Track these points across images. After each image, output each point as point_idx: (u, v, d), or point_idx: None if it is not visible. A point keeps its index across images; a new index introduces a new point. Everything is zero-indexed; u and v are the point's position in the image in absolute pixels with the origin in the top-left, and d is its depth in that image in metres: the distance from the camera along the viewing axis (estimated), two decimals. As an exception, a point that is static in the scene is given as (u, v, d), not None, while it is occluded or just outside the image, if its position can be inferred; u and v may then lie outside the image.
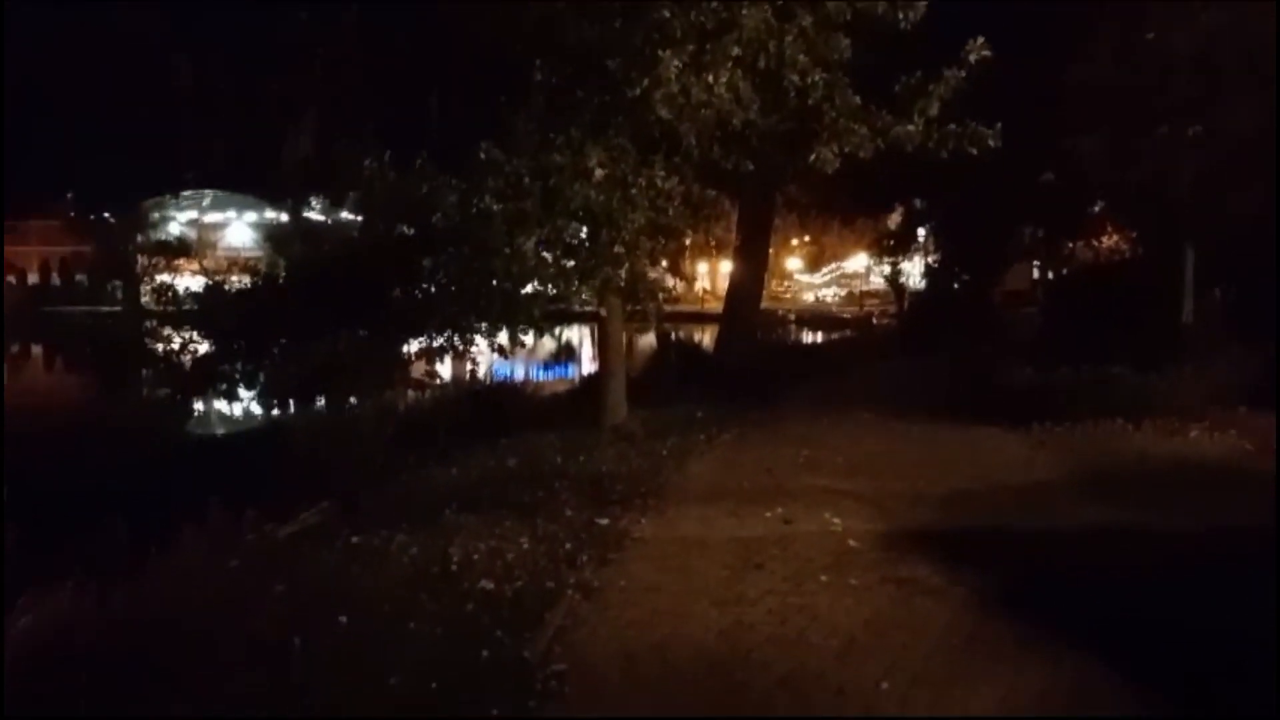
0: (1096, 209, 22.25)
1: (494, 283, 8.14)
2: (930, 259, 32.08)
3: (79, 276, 65.71)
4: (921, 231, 32.33)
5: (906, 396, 13.71)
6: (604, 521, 6.69)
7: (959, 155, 8.96)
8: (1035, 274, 33.33)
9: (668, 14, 7.22)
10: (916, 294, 33.08)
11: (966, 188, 19.20)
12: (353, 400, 11.98)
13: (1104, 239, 25.88)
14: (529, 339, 9.88)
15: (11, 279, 69.63)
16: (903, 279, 34.17)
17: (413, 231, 8.92)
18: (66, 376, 31.77)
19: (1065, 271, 26.50)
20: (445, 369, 13.71)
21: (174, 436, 13.59)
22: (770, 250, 25.28)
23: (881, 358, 22.08)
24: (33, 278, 69.88)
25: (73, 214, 61.38)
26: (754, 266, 18.97)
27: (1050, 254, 28.22)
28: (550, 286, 8.89)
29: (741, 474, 8.55)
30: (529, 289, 8.48)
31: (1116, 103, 11.86)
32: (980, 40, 8.46)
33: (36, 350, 43.47)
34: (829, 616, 4.98)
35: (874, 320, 41.77)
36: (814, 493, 7.68)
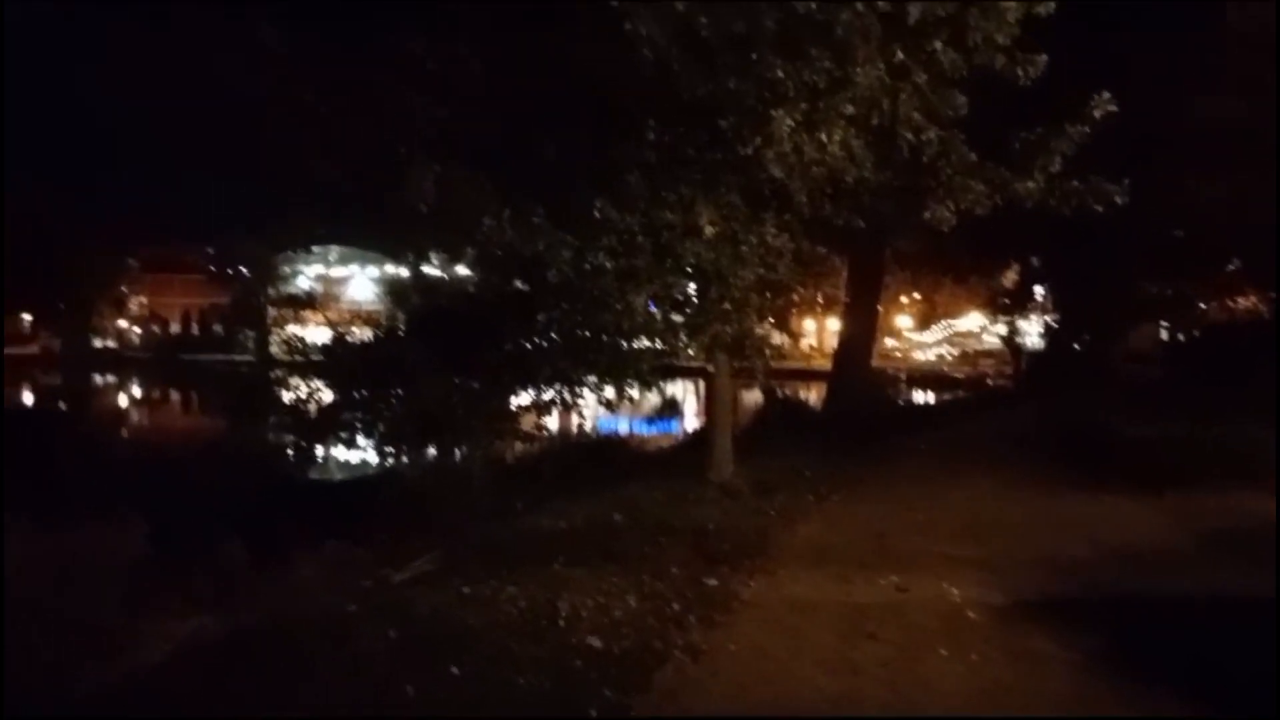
0: (1232, 266, 21.10)
1: (604, 337, 8.27)
2: (1049, 318, 30.94)
3: (215, 326, 69.89)
4: (1039, 289, 31.26)
5: (1025, 459, 13.16)
6: (712, 581, 6.60)
7: (1081, 211, 8.69)
8: (1164, 335, 31.71)
9: (780, 73, 7.29)
10: (1034, 354, 31.88)
11: (1088, 244, 18.52)
12: (460, 450, 12.29)
13: (1239, 298, 24.48)
14: (636, 393, 9.96)
15: (155, 328, 74.80)
16: (1019, 338, 33.00)
17: (527, 286, 9.15)
18: (201, 419, 33.70)
19: (1196, 333, 25.13)
20: (551, 421, 13.94)
21: (297, 478, 14.18)
22: (880, 307, 24.90)
23: (998, 419, 21.28)
24: (175, 327, 74.79)
25: (212, 268, 65.47)
26: (863, 323, 18.69)
27: (1180, 314, 26.82)
28: (659, 341, 8.96)
29: (853, 536, 8.32)
30: (638, 343, 8.57)
31: (1247, 143, 11.28)
32: (1106, 95, 8.22)
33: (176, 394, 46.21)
34: (945, 688, 4.76)
35: (989, 381, 40.42)
36: (929, 558, 7.41)
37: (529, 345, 9.67)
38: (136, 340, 74.55)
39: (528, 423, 12.98)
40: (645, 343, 8.64)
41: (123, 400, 40.42)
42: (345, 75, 8.23)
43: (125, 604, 5.18)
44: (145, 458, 22.11)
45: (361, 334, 13.46)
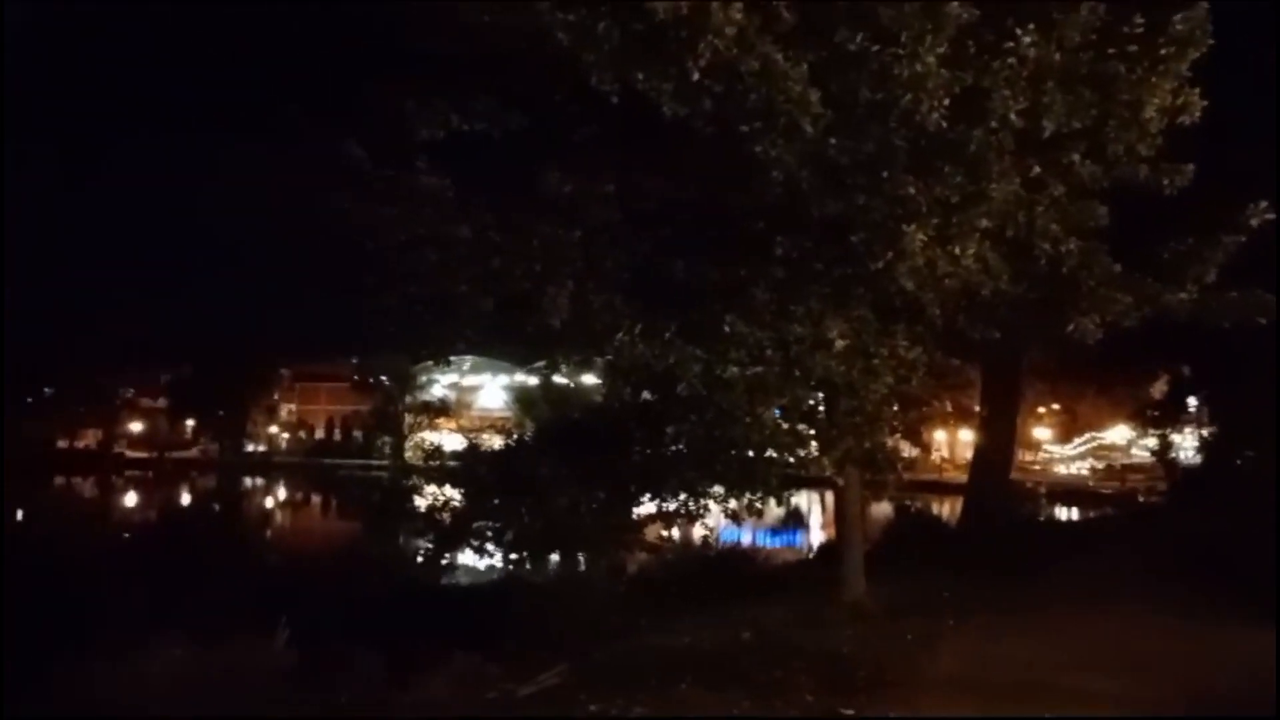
0: None
1: (733, 449, 8.24)
2: (1204, 431, 28.89)
3: (355, 433, 73.20)
4: (1193, 400, 29.33)
5: (1183, 585, 12.09)
6: (849, 712, 6.29)
7: (1239, 322, 8.22)
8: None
9: (912, 190, 7.32)
10: (1189, 470, 29.68)
11: (1247, 355, 17.36)
12: (584, 559, 12.30)
13: None
14: (764, 504, 9.81)
15: (302, 434, 79.13)
16: (1173, 453, 30.85)
17: (655, 397, 9.27)
18: (341, 523, 35.11)
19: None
20: (674, 532, 13.82)
21: (428, 584, 14.46)
22: (1017, 419, 23.87)
23: (1152, 538, 19.75)
24: (320, 434, 78.88)
25: (355, 377, 69.05)
26: (1000, 436, 17.94)
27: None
28: (788, 454, 8.85)
29: (998, 667, 7.79)
30: (766, 455, 8.49)
31: None
32: (1263, 204, 7.86)
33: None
34: None
35: (1139, 497, 37.76)
36: (1084, 697, 6.84)
37: (656, 456, 9.71)
38: (284, 446, 78.83)
39: (652, 533, 12.92)
40: (774, 454, 8.55)
41: (269, 503, 42.58)
42: (492, 210, 8.77)
43: (270, 712, 5.35)
44: (288, 563, 23.08)
45: (492, 442, 13.84)
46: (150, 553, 24.55)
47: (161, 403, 77.93)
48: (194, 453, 74.84)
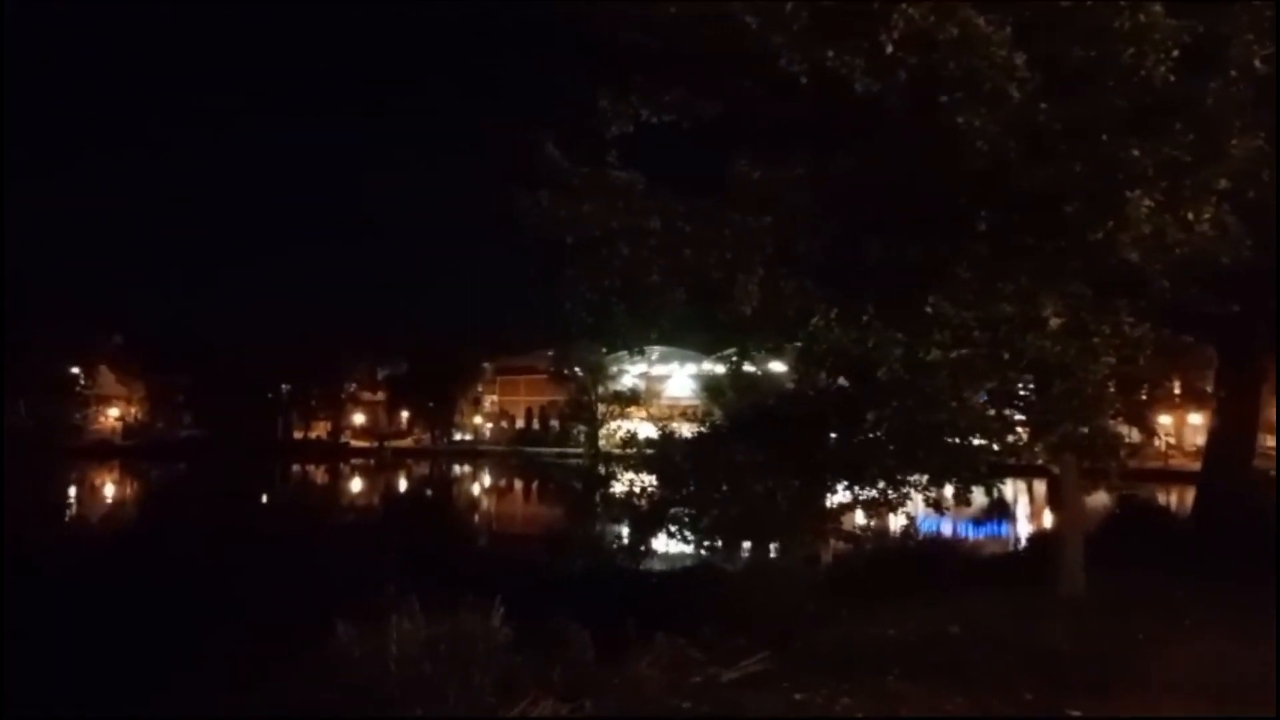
0: None
1: (938, 436, 7.93)
2: None
3: (553, 422, 76.23)
4: None
5: None
6: (1075, 713, 5.90)
7: None
8: None
9: (1135, 152, 6.72)
10: None
11: None
12: (777, 547, 12.22)
13: None
14: (971, 494, 9.38)
15: (504, 424, 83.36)
16: None
17: (851, 383, 9.07)
18: (540, 506, 36.80)
19: None
20: (871, 520, 13.48)
21: (625, 567, 14.87)
22: (1259, 401, 21.46)
23: None
24: (520, 423, 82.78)
25: (552, 369, 71.76)
26: (1239, 420, 16.19)
27: None
28: (995, 441, 8.42)
29: (1245, 673, 7.06)
30: (973, 442, 8.11)
31: None
32: None
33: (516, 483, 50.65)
34: None
35: None
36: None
37: (853, 443, 9.50)
38: (488, 435, 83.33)
39: (848, 522, 12.66)
40: (981, 441, 8.14)
41: (477, 488, 45.22)
42: (682, 200, 8.86)
43: (495, 687, 5.70)
44: (495, 543, 24.42)
45: (682, 430, 14.03)
46: (379, 530, 26.70)
47: (380, 396, 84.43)
48: (409, 442, 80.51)
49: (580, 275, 9.56)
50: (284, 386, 79.63)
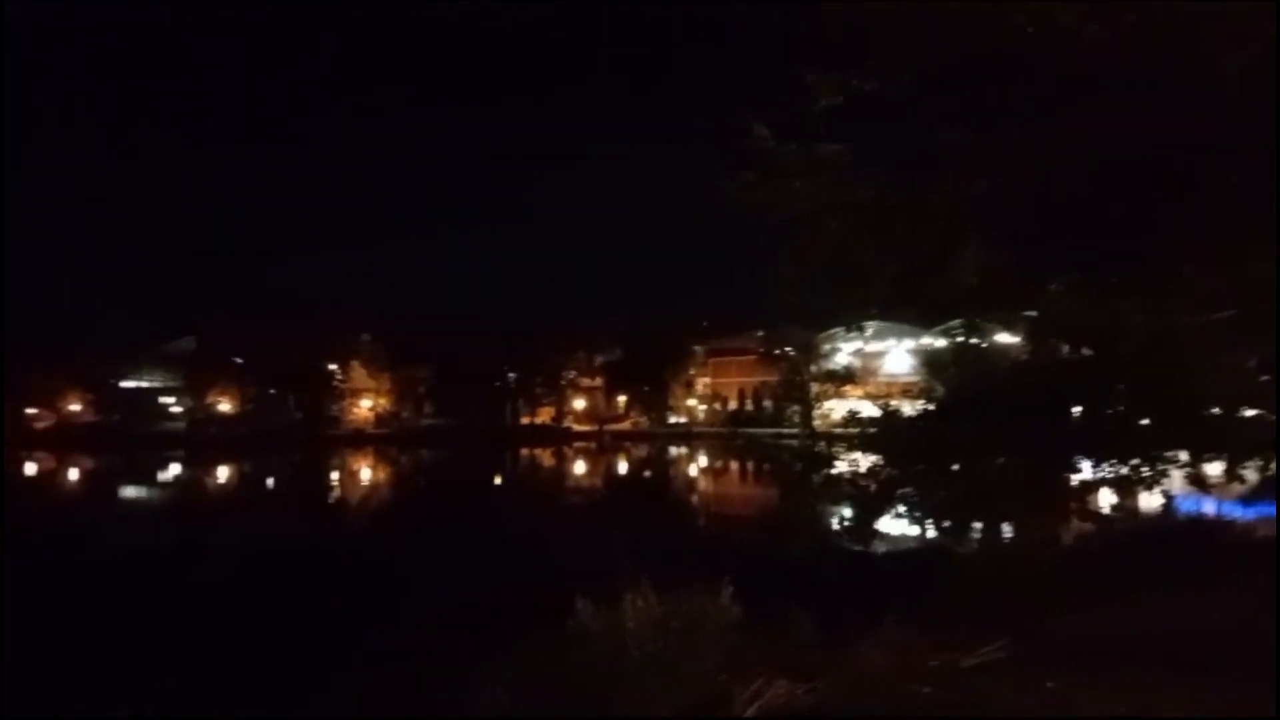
0: None
1: (1199, 408, 7.19)
2: None
3: (765, 403, 76.04)
4: None
5: None
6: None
7: None
8: None
9: None
10: None
11: None
12: (1012, 528, 11.56)
13: None
14: (1246, 472, 8.41)
15: (717, 405, 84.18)
16: None
17: (1092, 354, 8.39)
18: (756, 487, 36.87)
19: None
20: (1120, 499, 12.44)
21: (848, 548, 14.61)
22: None
23: None
24: (732, 405, 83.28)
25: (763, 350, 71.65)
26: None
27: None
28: (1269, 411, 7.52)
29: None
30: (1243, 413, 7.28)
31: None
32: None
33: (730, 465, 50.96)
34: None
35: None
36: None
37: (1097, 417, 8.80)
38: (702, 417, 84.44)
39: (1094, 502, 11.75)
40: (1254, 412, 7.29)
41: (694, 470, 46.04)
42: (890, 172, 8.56)
43: (725, 665, 5.82)
44: (715, 522, 24.77)
45: (903, 407, 13.52)
46: (607, 510, 27.83)
47: (598, 382, 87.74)
48: (627, 425, 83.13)
49: (788, 255, 9.46)
50: (510, 375, 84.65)
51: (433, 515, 26.67)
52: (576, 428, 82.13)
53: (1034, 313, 8.36)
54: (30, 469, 46.95)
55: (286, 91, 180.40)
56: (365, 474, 44.16)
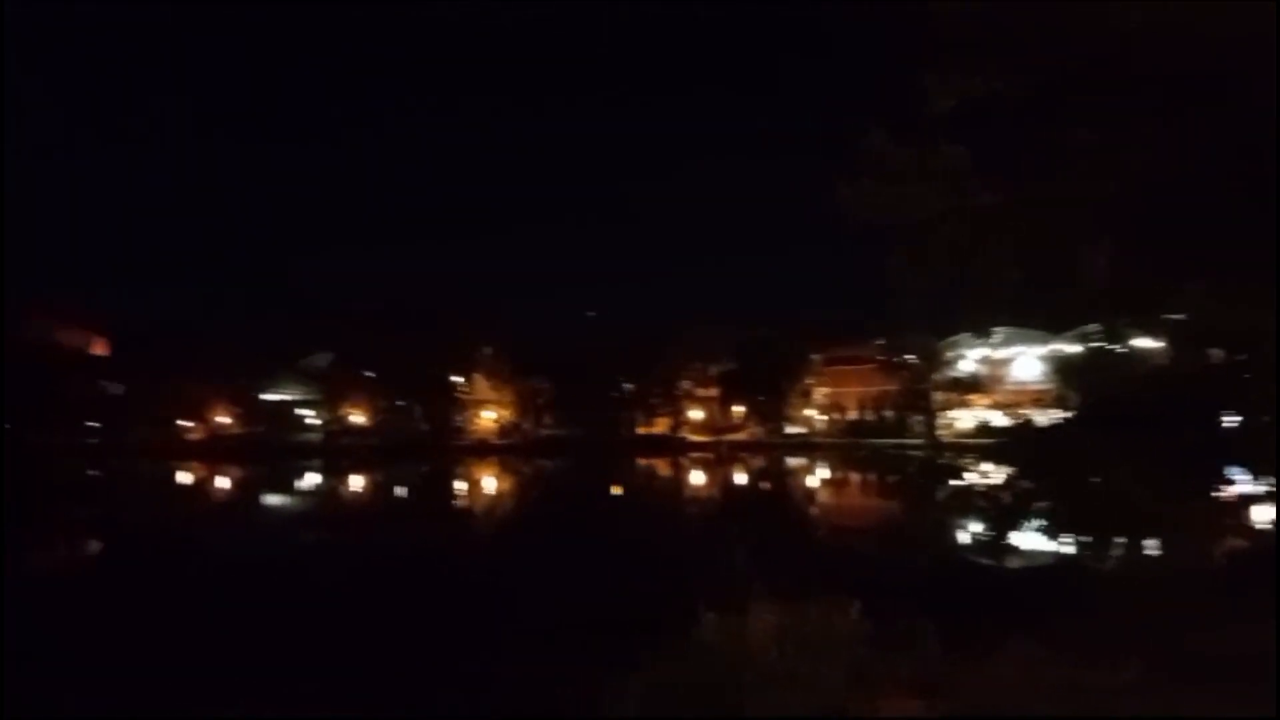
0: None
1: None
2: None
3: (886, 412, 74.27)
4: None
5: None
6: None
7: None
8: None
9: None
10: None
11: None
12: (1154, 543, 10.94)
13: None
14: None
15: (836, 415, 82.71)
16: None
17: (1244, 357, 7.89)
18: (878, 499, 36.05)
19: None
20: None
21: (974, 561, 14.17)
22: None
23: None
24: (852, 414, 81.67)
25: (883, 358, 70.13)
26: None
27: None
28: None
29: None
30: None
31: None
32: None
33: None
34: None
35: None
36: None
37: (1251, 426, 8.26)
38: (820, 427, 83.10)
39: (1250, 516, 11.01)
40: None
41: (812, 481, 45.38)
42: (1012, 174, 8.31)
43: (849, 680, 5.77)
44: (836, 535, 24.36)
45: (1034, 416, 13.04)
46: (727, 521, 27.81)
47: (713, 392, 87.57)
48: (743, 436, 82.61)
49: (909, 261, 9.28)
50: (626, 386, 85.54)
51: (560, 524, 27.22)
52: (692, 438, 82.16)
53: (1177, 316, 7.91)
54: (185, 478, 50.36)
55: (400, 104, 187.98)
56: (493, 483, 45.45)
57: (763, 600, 6.31)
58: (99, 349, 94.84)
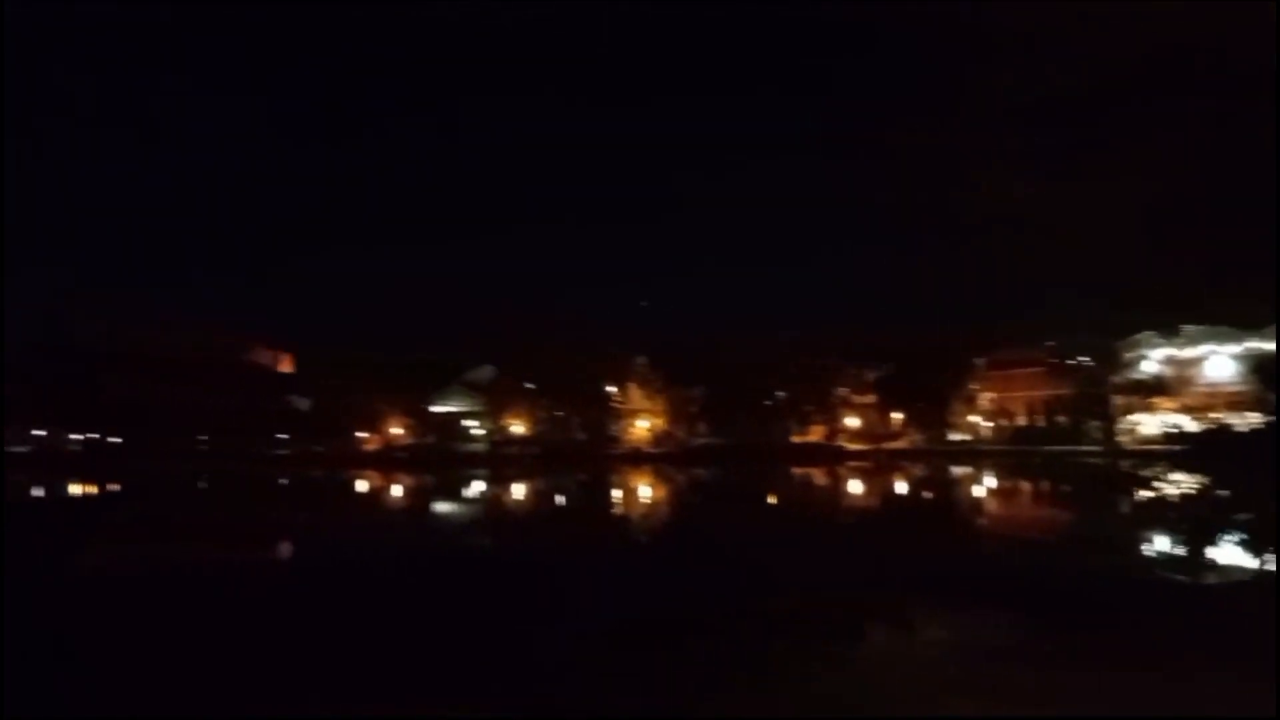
0: None
1: None
2: None
3: (1059, 417, 70.43)
4: None
5: None
6: None
7: None
8: None
9: None
10: None
11: None
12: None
13: None
14: None
15: (1003, 421, 79.05)
16: None
17: None
18: (1052, 509, 34.23)
19: None
20: None
21: (1163, 576, 13.31)
22: None
23: None
24: (1020, 420, 77.90)
25: (1053, 360, 66.73)
26: None
27: None
28: None
29: None
30: None
31: None
32: None
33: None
34: None
35: None
36: None
37: None
38: (985, 434, 79.66)
39: None
40: None
41: (979, 490, 43.56)
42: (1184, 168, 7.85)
43: (1036, 694, 5.68)
44: (1010, 548, 23.38)
45: (1231, 420, 12.16)
46: (890, 532, 27.19)
47: (870, 399, 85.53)
48: (903, 443, 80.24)
49: (1074, 259, 8.92)
50: (780, 393, 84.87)
51: (723, 531, 27.44)
52: (849, 446, 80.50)
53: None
54: (361, 486, 53.81)
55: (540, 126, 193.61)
56: (650, 490, 46.26)
57: (928, 610, 6.28)
58: (285, 366, 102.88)
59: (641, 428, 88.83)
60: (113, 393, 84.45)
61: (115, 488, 53.36)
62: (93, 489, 52.03)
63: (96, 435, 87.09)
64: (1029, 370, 75.75)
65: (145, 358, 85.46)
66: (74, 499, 46.37)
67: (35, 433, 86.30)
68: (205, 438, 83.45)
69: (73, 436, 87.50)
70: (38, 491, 50.06)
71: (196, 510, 39.60)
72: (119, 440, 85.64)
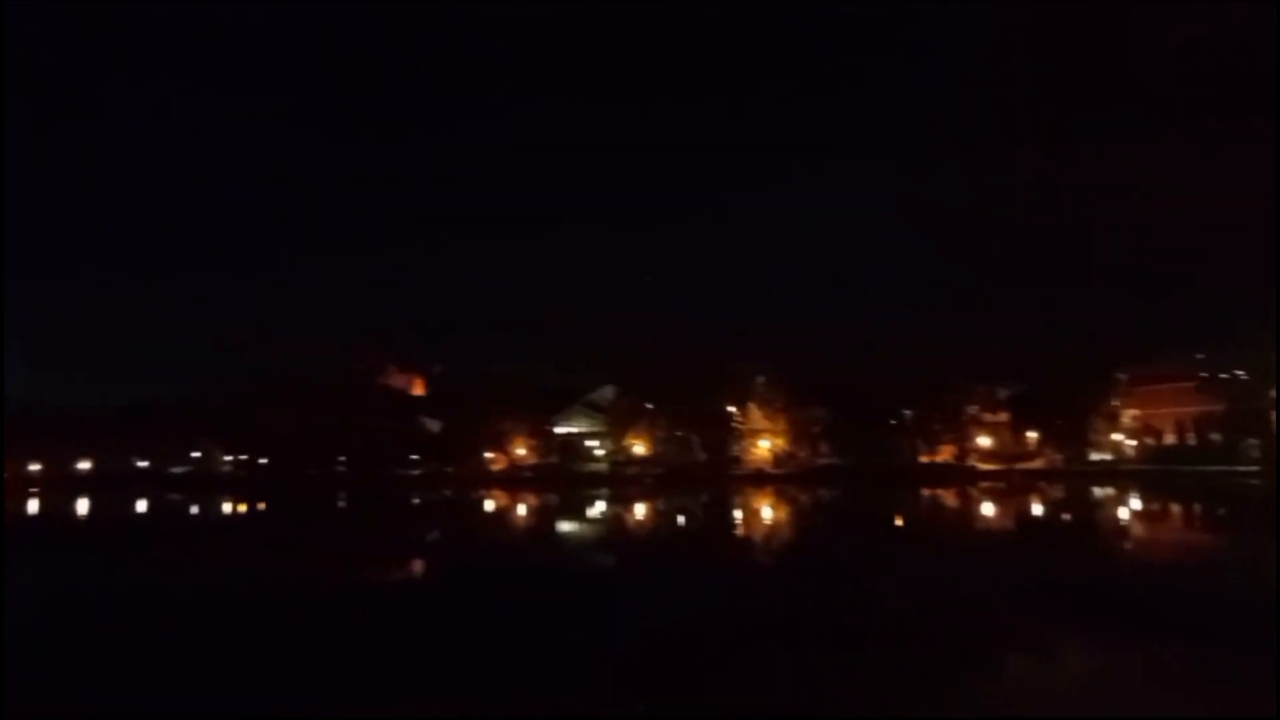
0: None
1: None
2: None
3: (1212, 435, 66.15)
4: None
5: None
6: None
7: None
8: None
9: None
10: None
11: None
12: None
13: None
14: None
15: (1149, 439, 74.58)
16: None
17: None
18: (1204, 533, 32.12)
19: None
20: None
21: None
22: None
23: None
24: (1169, 438, 73.42)
25: (1204, 374, 62.77)
26: None
27: None
28: None
29: None
30: None
31: None
32: None
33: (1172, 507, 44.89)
34: None
35: None
36: None
37: None
38: (1129, 452, 75.37)
39: None
40: None
41: (1123, 513, 41.20)
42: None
43: None
44: (1151, 574, 22.13)
45: None
46: (1025, 559, 26.22)
47: (1002, 417, 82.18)
48: (1039, 463, 76.73)
49: (1226, 269, 8.52)
50: (906, 412, 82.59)
51: (850, 555, 27.05)
52: (981, 466, 77.50)
53: None
54: (489, 505, 55.45)
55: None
56: (775, 512, 45.84)
57: (1063, 638, 6.13)
58: (417, 389, 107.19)
59: (763, 448, 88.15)
60: (262, 418, 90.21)
61: (262, 506, 56.90)
62: (242, 507, 55.66)
63: (246, 457, 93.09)
64: (1177, 385, 71.37)
65: (292, 384, 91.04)
66: (229, 517, 49.69)
67: (193, 454, 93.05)
68: (344, 459, 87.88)
69: (226, 459, 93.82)
70: (194, 509, 53.95)
71: (345, 527, 41.91)
72: (265, 461, 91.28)
